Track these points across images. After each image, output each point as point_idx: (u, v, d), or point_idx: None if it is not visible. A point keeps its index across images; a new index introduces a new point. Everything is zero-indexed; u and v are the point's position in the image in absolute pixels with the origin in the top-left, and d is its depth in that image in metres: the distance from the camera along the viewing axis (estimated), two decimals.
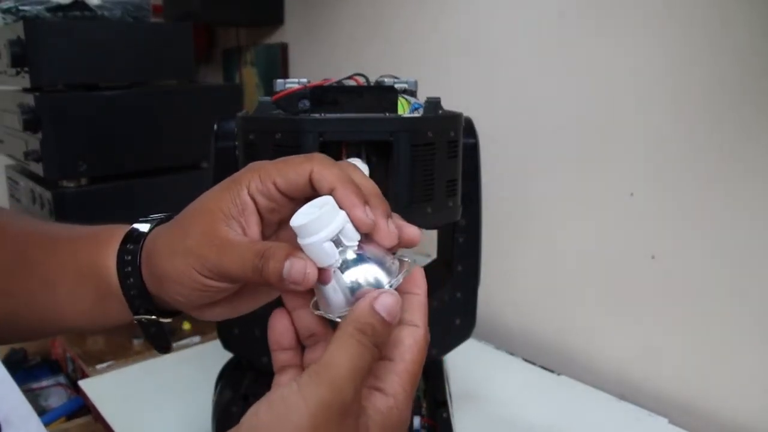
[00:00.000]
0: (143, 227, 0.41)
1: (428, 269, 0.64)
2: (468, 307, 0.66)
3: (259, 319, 0.64)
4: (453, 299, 0.65)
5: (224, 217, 0.36)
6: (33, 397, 1.10)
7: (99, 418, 0.79)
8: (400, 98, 0.54)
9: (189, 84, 1.17)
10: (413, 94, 0.58)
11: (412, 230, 0.35)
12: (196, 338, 1.01)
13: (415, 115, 0.54)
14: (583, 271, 0.86)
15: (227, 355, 0.68)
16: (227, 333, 0.64)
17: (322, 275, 0.33)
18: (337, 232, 0.33)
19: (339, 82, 0.57)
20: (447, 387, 0.70)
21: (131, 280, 0.40)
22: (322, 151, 0.46)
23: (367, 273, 0.33)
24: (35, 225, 0.48)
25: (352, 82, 0.57)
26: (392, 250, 0.35)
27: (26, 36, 0.95)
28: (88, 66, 1.01)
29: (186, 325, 1.04)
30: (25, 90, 1.02)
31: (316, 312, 0.35)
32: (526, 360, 0.90)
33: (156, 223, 0.41)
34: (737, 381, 0.72)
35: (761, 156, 0.66)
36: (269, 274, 0.33)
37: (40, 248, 0.44)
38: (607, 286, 0.84)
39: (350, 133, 0.51)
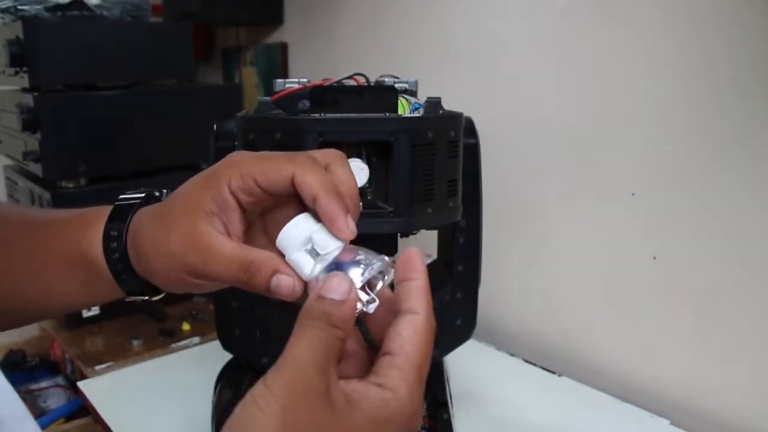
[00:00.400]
0: (131, 201, 0.42)
1: (428, 269, 0.64)
2: (469, 308, 0.66)
3: (260, 320, 0.64)
4: (453, 300, 0.65)
5: (205, 215, 0.36)
6: (32, 399, 1.10)
7: (98, 420, 0.79)
8: (400, 98, 0.54)
9: (188, 84, 1.17)
10: (413, 94, 0.58)
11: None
12: (196, 339, 1.01)
13: (416, 115, 0.54)
14: (585, 271, 0.86)
15: (227, 356, 0.67)
16: (227, 334, 0.64)
17: (307, 286, 0.35)
18: (309, 245, 0.34)
19: (339, 81, 0.56)
20: (447, 388, 0.70)
21: (117, 255, 0.40)
22: None
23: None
24: (18, 211, 0.48)
25: (352, 82, 0.57)
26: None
27: (25, 36, 0.95)
28: (87, 66, 1.01)
29: (186, 326, 1.04)
30: (24, 90, 1.02)
31: None
32: (526, 361, 0.89)
33: (139, 203, 0.42)
34: (739, 382, 0.72)
35: (763, 156, 0.66)
36: (256, 287, 0.35)
37: (24, 233, 0.44)
38: (608, 286, 0.84)
39: (350, 133, 0.51)
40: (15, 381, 1.12)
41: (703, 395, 0.75)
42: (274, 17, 1.34)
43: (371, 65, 1.09)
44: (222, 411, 0.66)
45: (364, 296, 0.34)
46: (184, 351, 0.97)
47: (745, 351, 0.71)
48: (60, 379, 1.15)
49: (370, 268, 0.33)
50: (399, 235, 0.55)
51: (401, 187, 0.51)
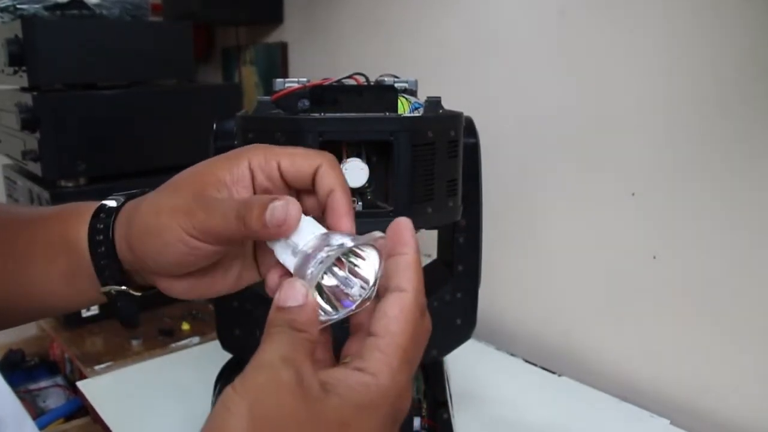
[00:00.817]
0: (116, 201, 0.41)
1: (428, 269, 0.64)
2: (469, 308, 0.66)
3: (260, 320, 0.63)
4: (453, 299, 0.65)
5: (215, 181, 0.36)
6: (31, 398, 1.10)
7: (97, 419, 0.79)
8: (400, 98, 0.54)
9: (188, 83, 1.17)
10: (413, 93, 0.58)
11: None
12: (195, 339, 1.01)
13: (416, 114, 0.54)
14: (585, 271, 0.86)
15: (226, 356, 0.67)
16: (227, 334, 0.64)
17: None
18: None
19: (339, 81, 0.56)
20: (447, 388, 0.70)
21: (102, 248, 0.39)
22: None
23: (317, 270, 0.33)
24: (3, 206, 0.47)
25: (352, 82, 0.57)
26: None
27: (24, 35, 0.95)
28: (86, 65, 1.01)
29: (185, 326, 1.04)
30: (23, 89, 1.01)
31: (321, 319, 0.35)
32: (526, 361, 0.89)
33: (131, 196, 0.41)
34: (738, 382, 0.72)
35: (764, 156, 0.66)
36: (252, 221, 0.33)
37: (8, 225, 0.44)
38: (608, 286, 0.84)
39: (350, 133, 0.51)
40: (14, 381, 1.12)
41: (703, 395, 0.75)
42: (274, 17, 1.33)
43: (371, 65, 1.09)
44: None
45: (327, 307, 0.33)
46: (183, 351, 0.96)
47: (745, 350, 0.71)
48: (59, 379, 1.15)
49: (328, 258, 0.32)
50: None
51: (401, 187, 0.51)
